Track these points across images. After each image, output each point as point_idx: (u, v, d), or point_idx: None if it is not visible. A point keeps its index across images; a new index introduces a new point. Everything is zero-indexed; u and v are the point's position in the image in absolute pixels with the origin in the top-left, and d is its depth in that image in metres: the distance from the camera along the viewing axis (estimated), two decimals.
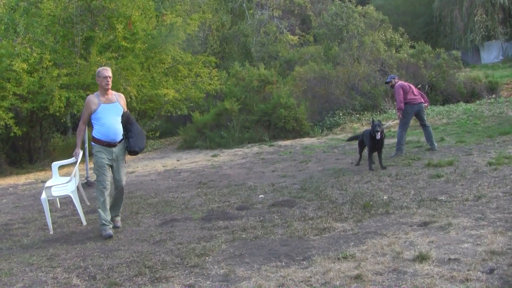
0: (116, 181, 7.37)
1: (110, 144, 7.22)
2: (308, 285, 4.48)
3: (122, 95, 7.63)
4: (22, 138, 18.81)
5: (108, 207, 7.16)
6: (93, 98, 7.25)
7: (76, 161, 7.87)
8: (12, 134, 16.16)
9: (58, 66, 17.08)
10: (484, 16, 32.93)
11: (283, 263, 5.13)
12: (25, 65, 15.77)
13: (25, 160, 19.53)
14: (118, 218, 7.66)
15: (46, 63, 16.30)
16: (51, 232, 7.41)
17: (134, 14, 18.34)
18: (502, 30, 33.55)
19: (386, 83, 12.69)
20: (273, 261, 5.20)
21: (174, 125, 22.12)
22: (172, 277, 5.02)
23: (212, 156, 15.94)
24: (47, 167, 17.99)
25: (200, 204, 8.59)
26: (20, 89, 15.77)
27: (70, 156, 19.58)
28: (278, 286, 4.53)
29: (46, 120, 20.72)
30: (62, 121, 20.89)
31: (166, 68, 19.99)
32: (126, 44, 17.84)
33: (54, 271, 5.54)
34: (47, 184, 8.25)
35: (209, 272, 5.07)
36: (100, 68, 7.37)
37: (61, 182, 8.71)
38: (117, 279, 5.07)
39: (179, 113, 21.09)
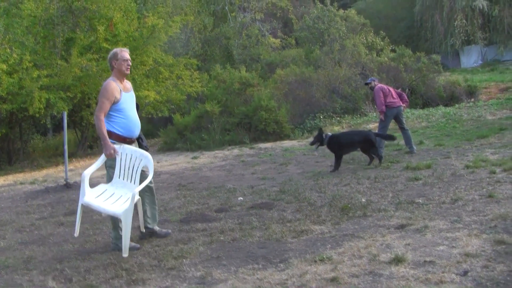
0: (145, 179, 6.25)
1: (131, 141, 6.34)
2: None
3: (130, 82, 6.63)
4: (1, 139, 18.70)
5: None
6: (115, 85, 6.16)
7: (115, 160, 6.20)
8: None
9: (38, 67, 16.98)
10: (464, 21, 33.28)
11: (260, 265, 5.14)
12: (5, 66, 15.67)
13: (4, 162, 19.37)
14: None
15: (26, 64, 16.20)
16: (126, 255, 5.71)
17: (116, 16, 18.31)
18: (481, 35, 33.93)
19: (366, 84, 12.76)
20: (250, 264, 5.20)
21: (155, 127, 22.08)
22: (149, 279, 5.00)
23: (192, 158, 15.92)
24: (26, 168, 17.88)
25: (179, 206, 8.57)
26: (0, 90, 15.63)
27: (51, 158, 19.50)
28: None
29: (26, 121, 20.57)
30: (42, 122, 20.77)
31: (147, 70, 19.95)
32: (107, 46, 17.76)
33: (30, 274, 5.49)
34: (101, 197, 6.16)
35: (186, 274, 5.06)
36: (117, 49, 6.34)
37: (100, 192, 6.30)
38: (94, 282, 5.04)
39: (160, 115, 21.03)
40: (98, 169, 6.45)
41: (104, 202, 6.01)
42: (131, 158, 6.12)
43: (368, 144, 10.72)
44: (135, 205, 6.02)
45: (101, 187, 6.29)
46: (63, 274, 5.38)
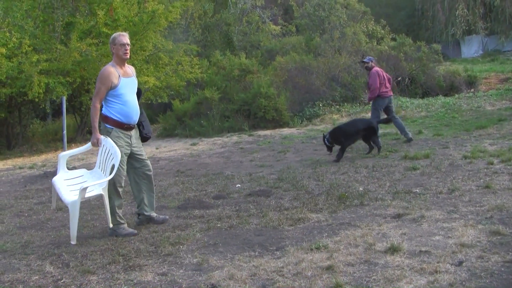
0: (144, 167, 6.47)
1: (130, 127, 6.29)
2: (280, 275, 4.52)
3: (133, 68, 6.62)
4: (0, 123, 18.70)
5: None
6: (113, 70, 6.12)
7: (99, 149, 6.37)
8: None
9: (37, 52, 16.91)
10: (465, 10, 33.12)
11: (257, 252, 5.17)
12: (4, 50, 15.60)
13: (3, 146, 19.35)
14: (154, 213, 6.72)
15: (25, 48, 16.14)
16: (74, 243, 5.93)
17: (116, 0, 18.20)
18: (482, 25, 33.77)
19: (362, 62, 12.42)
20: (247, 251, 5.24)
21: (154, 113, 22.02)
22: (146, 265, 5.03)
23: (191, 144, 15.92)
24: (25, 153, 17.89)
25: (177, 192, 8.60)
26: None
27: (50, 143, 19.49)
28: (250, 275, 4.57)
29: (25, 105, 20.51)
30: (41, 107, 20.76)
31: (147, 56, 19.90)
32: (107, 31, 17.67)
33: (27, 258, 5.52)
34: (67, 181, 6.51)
35: (183, 260, 5.09)
36: (115, 34, 6.29)
37: (73, 177, 6.72)
38: (91, 267, 5.07)
39: (159, 101, 20.98)
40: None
41: (67, 186, 6.23)
42: (108, 152, 6.15)
43: (370, 132, 10.71)
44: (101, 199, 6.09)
45: (79, 171, 6.61)
46: (60, 259, 5.41)
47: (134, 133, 6.41)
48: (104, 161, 6.25)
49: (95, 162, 6.65)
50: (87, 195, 5.93)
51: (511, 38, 33.46)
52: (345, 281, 4.26)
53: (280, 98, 18.53)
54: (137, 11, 19.41)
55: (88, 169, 6.57)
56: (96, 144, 6.17)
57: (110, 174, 5.99)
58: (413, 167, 8.75)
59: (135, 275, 4.80)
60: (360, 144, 11.41)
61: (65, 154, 6.48)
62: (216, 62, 22.50)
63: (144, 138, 6.60)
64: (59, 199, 6.33)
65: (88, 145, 6.37)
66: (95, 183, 6.05)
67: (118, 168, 5.99)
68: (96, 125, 6.12)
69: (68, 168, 6.97)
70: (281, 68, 21.05)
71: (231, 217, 6.64)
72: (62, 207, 7.95)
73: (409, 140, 11.73)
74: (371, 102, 12.08)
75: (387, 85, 11.82)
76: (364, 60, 12.35)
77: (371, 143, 10.80)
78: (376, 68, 11.90)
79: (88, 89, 18.48)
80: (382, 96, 11.69)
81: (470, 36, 34.44)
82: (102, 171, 6.29)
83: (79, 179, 6.46)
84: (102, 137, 6.15)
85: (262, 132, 17.07)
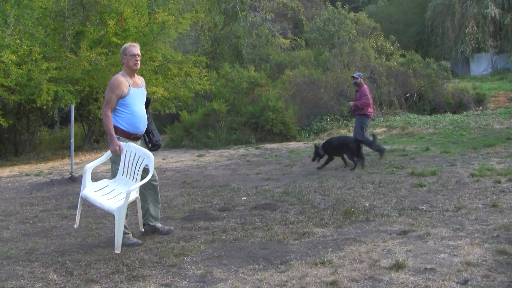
0: (150, 178, 6.30)
1: (136, 137, 6.34)
2: None
3: (143, 79, 6.66)
4: (9, 130, 18.75)
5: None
6: (123, 79, 6.16)
7: (120, 158, 6.24)
8: None
9: (47, 59, 17.03)
10: (475, 28, 33.15)
11: (261, 266, 5.14)
12: (14, 57, 15.71)
13: (11, 153, 19.44)
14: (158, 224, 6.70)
15: (35, 56, 16.26)
16: (118, 252, 5.74)
17: (126, 11, 18.33)
18: (492, 43, 33.79)
19: (353, 77, 12.35)
20: (251, 264, 5.21)
21: (162, 124, 22.09)
22: (149, 276, 5.02)
23: (198, 156, 15.94)
24: (32, 160, 17.95)
25: (182, 203, 8.58)
26: (8, 81, 15.70)
27: (57, 150, 19.54)
28: None
29: (34, 113, 20.64)
30: (49, 114, 20.85)
31: (156, 66, 19.98)
32: (117, 40, 17.80)
33: (31, 265, 5.51)
34: (98, 192, 6.22)
35: (186, 272, 5.07)
36: (126, 45, 6.34)
37: (100, 187, 6.34)
38: (94, 276, 5.05)
39: (167, 111, 21.08)
40: (105, 164, 6.47)
41: (102, 197, 6.09)
42: (134, 156, 6.14)
43: (354, 149, 11.12)
44: (135, 203, 6.04)
45: (103, 182, 6.41)
46: (64, 267, 5.40)
47: (140, 143, 6.42)
48: (130, 166, 6.20)
49: (108, 170, 6.55)
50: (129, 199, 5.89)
51: None
52: None
53: (288, 112, 18.56)
54: (147, 22, 19.54)
55: (96, 178, 6.50)
56: (118, 151, 6.11)
57: (145, 176, 6.05)
58: (419, 184, 8.71)
59: (139, 285, 4.78)
60: (367, 159, 11.39)
61: (91, 166, 6.35)
62: (224, 74, 22.58)
63: (154, 146, 6.60)
64: (101, 209, 6.21)
65: (108, 153, 6.29)
66: (138, 185, 6.01)
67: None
68: (113, 132, 6.09)
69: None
70: (290, 81, 21.10)
71: (236, 229, 6.62)
72: (68, 215, 7.98)
73: (382, 151, 11.96)
74: (356, 118, 12.26)
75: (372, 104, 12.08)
76: (354, 75, 12.32)
77: (355, 159, 11.11)
78: (366, 86, 12.03)
79: (97, 98, 18.57)
80: (369, 115, 11.85)
81: (480, 54, 34.43)
82: (129, 177, 6.23)
83: (108, 189, 6.31)
84: (122, 143, 6.14)
85: (269, 145, 17.08)
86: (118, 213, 5.76)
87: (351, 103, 12.20)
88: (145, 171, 6.12)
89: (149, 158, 6.01)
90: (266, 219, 7.09)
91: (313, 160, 11.49)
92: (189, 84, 20.78)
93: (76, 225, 6.42)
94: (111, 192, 6.22)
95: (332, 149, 11.37)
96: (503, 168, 9.64)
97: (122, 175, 6.32)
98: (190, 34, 25.87)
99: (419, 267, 4.78)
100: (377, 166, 11.08)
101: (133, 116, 6.19)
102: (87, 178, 6.23)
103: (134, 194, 5.99)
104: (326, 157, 11.45)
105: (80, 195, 6.16)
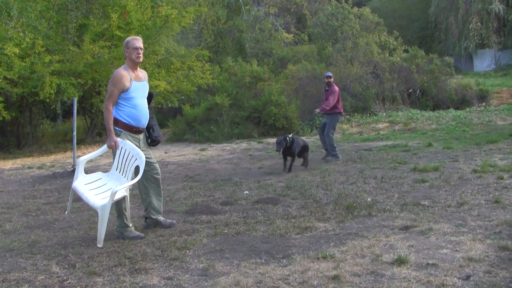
0: (152, 170, 6.43)
1: (139, 130, 6.32)
2: (286, 283, 4.49)
3: (145, 72, 6.64)
4: (11, 123, 18.75)
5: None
6: (125, 73, 6.13)
7: (115, 152, 6.25)
8: (0, 119, 16.08)
9: (50, 52, 17.02)
10: (479, 24, 33.06)
11: (263, 260, 5.14)
12: (17, 50, 15.72)
13: (13, 145, 19.45)
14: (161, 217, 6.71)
15: (38, 49, 16.25)
16: (101, 245, 5.85)
17: (130, 4, 18.31)
18: (496, 39, 33.71)
19: (328, 77, 12.33)
20: (253, 258, 5.21)
21: (164, 117, 22.10)
22: (152, 269, 5.02)
23: (200, 150, 15.94)
24: (34, 153, 17.96)
25: (185, 197, 8.59)
26: (11, 74, 15.69)
27: (60, 143, 19.56)
28: (256, 282, 4.54)
29: (36, 106, 20.64)
30: (52, 107, 20.83)
31: (159, 60, 19.98)
32: (120, 34, 17.80)
33: (34, 258, 5.52)
34: (88, 185, 6.34)
35: (189, 265, 5.07)
36: (129, 38, 6.30)
37: (92, 180, 6.49)
38: (97, 268, 5.06)
39: (169, 105, 21.07)
40: (108, 157, 6.50)
41: (90, 191, 6.17)
42: (128, 155, 6.14)
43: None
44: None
45: (97, 175, 6.52)
46: (66, 260, 5.41)
47: (142, 137, 6.42)
48: (123, 163, 6.21)
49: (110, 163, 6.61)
50: (115, 198, 5.90)
51: None
52: None
53: (290, 106, 18.55)
54: (150, 15, 19.52)
55: (86, 172, 6.53)
56: (113, 146, 6.13)
57: (135, 175, 6.02)
58: (422, 180, 8.71)
59: (141, 278, 4.79)
60: (369, 154, 11.38)
61: (84, 159, 6.41)
62: (227, 68, 22.57)
63: (153, 141, 6.57)
64: (86, 203, 6.25)
65: (104, 148, 6.33)
66: (124, 186, 6.01)
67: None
68: (112, 127, 6.09)
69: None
70: (293, 76, 21.09)
71: (238, 223, 6.62)
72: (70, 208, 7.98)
73: (329, 157, 11.99)
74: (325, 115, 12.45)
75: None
76: (329, 75, 12.31)
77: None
78: (335, 86, 12.14)
79: (99, 91, 18.57)
80: (341, 113, 12.19)
81: (483, 50, 34.37)
82: (121, 173, 6.25)
83: (99, 182, 6.39)
84: (119, 139, 6.14)
85: (271, 140, 17.05)
86: (101, 211, 5.81)
87: (316, 110, 12.32)
88: (138, 171, 6.09)
89: (140, 159, 5.98)
90: (268, 213, 7.10)
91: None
92: (192, 78, 20.77)
93: (67, 212, 6.79)
94: (101, 186, 6.30)
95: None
96: (505, 164, 9.64)
97: (116, 170, 6.35)
98: (193, 28, 25.87)
99: (421, 263, 4.78)
100: (379, 162, 11.08)
101: (135, 109, 6.18)
102: (79, 170, 6.38)
103: (122, 193, 5.98)
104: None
105: (72, 186, 6.29)
